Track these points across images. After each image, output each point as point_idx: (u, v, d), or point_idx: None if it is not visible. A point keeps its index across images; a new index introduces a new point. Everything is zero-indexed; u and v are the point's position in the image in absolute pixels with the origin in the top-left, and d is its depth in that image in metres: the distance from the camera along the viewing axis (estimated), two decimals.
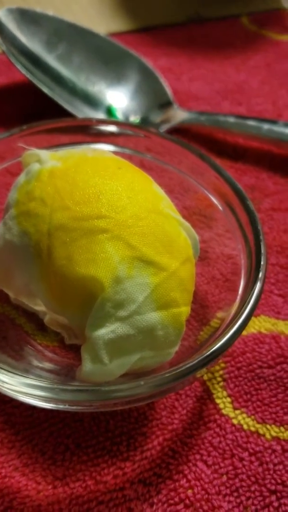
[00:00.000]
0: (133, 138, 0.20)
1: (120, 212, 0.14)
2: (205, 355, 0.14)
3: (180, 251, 0.15)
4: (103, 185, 0.15)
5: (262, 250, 0.16)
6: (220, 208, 0.19)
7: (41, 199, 0.14)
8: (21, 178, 0.16)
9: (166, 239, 0.15)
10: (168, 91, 0.26)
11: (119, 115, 0.25)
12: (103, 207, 0.14)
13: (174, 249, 0.15)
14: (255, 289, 0.15)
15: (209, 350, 0.14)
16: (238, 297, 0.16)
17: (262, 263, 0.16)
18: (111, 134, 0.20)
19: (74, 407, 0.14)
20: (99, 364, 0.14)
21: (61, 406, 0.14)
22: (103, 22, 0.30)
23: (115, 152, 0.20)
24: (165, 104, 0.25)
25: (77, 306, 0.14)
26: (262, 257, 0.16)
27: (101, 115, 0.25)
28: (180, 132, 0.25)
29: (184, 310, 0.15)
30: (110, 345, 0.14)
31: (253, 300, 0.15)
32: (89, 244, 0.14)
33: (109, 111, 0.25)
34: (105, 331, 0.14)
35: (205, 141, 0.25)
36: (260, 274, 0.15)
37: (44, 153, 0.16)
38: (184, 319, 0.15)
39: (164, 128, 0.24)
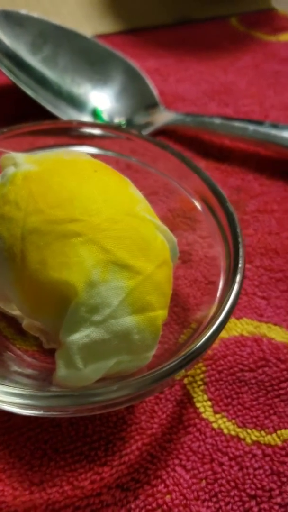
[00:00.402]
0: (118, 141, 0.20)
1: (95, 215, 0.14)
2: (183, 357, 0.14)
3: (156, 254, 0.15)
4: (78, 188, 0.14)
5: (241, 253, 0.16)
6: (201, 210, 0.19)
7: (15, 202, 0.14)
8: None
9: (142, 242, 0.14)
10: (154, 92, 0.26)
11: (104, 116, 0.25)
12: (77, 211, 0.14)
13: (150, 252, 0.15)
14: (232, 291, 0.15)
15: (186, 352, 0.14)
16: (216, 300, 0.16)
17: (240, 265, 0.15)
18: (96, 136, 0.20)
19: (50, 413, 0.14)
20: (74, 369, 0.14)
21: (36, 412, 0.14)
22: (91, 24, 0.30)
23: (99, 155, 0.20)
24: (151, 106, 0.25)
25: (51, 310, 0.14)
26: (240, 259, 0.16)
27: (86, 118, 0.25)
28: (166, 133, 0.25)
29: (161, 314, 0.15)
30: (85, 350, 0.14)
31: (230, 302, 0.15)
32: (62, 248, 0.14)
33: (95, 113, 0.25)
34: (79, 336, 0.14)
35: (191, 143, 0.25)
36: (238, 277, 0.15)
37: (20, 156, 0.16)
38: (161, 322, 0.15)
39: (149, 129, 0.24)
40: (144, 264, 0.14)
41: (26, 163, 0.15)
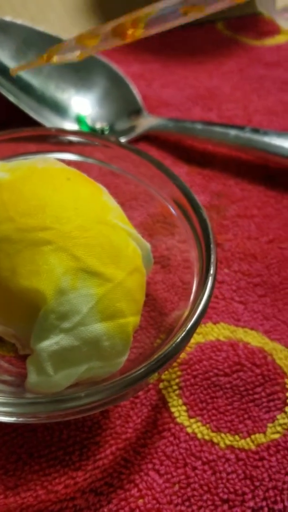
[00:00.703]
0: (99, 148, 0.20)
1: (65, 224, 0.14)
2: (155, 361, 0.14)
3: (128, 262, 0.15)
4: (50, 196, 0.15)
5: (212, 259, 0.16)
6: (177, 216, 0.19)
7: None
8: None
9: (112, 250, 0.15)
10: (138, 97, 0.26)
11: (88, 122, 0.25)
12: (48, 219, 0.14)
13: (120, 260, 0.15)
14: (203, 295, 0.15)
15: (159, 356, 0.14)
16: (189, 304, 0.16)
17: (211, 271, 0.16)
18: (77, 143, 0.21)
19: (23, 419, 0.14)
20: (44, 375, 0.14)
21: (9, 419, 0.14)
22: (78, 30, 0.31)
23: (81, 162, 0.21)
24: (134, 111, 0.25)
25: (22, 318, 0.14)
26: (211, 265, 0.16)
27: (70, 124, 0.25)
28: (149, 138, 0.25)
29: (131, 320, 0.15)
30: (55, 357, 0.14)
31: (201, 306, 0.15)
32: (33, 256, 0.14)
33: (79, 119, 0.25)
34: (49, 343, 0.14)
35: (174, 148, 0.25)
36: (209, 283, 0.15)
37: None
38: (132, 329, 0.15)
39: (132, 135, 0.25)
40: (114, 272, 0.14)
41: (0, 171, 0.16)
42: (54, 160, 0.17)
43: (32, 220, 0.14)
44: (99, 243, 0.14)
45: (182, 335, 0.14)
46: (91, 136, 0.20)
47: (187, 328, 0.15)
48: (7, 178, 0.15)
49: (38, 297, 0.14)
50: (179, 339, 0.14)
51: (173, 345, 0.14)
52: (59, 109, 0.25)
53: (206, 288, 0.15)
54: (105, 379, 0.15)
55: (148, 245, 0.17)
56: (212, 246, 0.16)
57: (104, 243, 0.15)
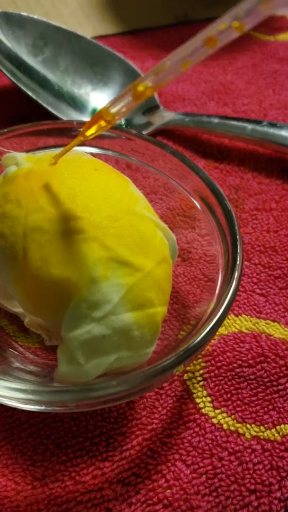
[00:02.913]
0: (119, 141, 0.20)
1: (95, 213, 0.14)
2: (181, 352, 0.14)
3: (156, 252, 0.15)
4: (78, 186, 0.15)
5: (239, 250, 0.16)
6: (200, 209, 0.19)
7: (17, 201, 0.15)
8: None
9: (141, 239, 0.15)
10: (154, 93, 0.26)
11: None
12: (78, 208, 0.14)
13: (149, 250, 0.15)
14: (230, 287, 0.15)
15: (185, 348, 0.14)
16: (215, 296, 0.16)
17: (237, 262, 0.16)
18: (97, 136, 0.21)
19: (51, 408, 0.14)
20: (75, 365, 0.14)
21: (38, 407, 0.14)
22: (91, 25, 0.31)
23: (100, 155, 0.21)
24: (150, 106, 0.25)
25: (53, 307, 0.14)
26: (238, 256, 0.16)
27: (87, 118, 0.25)
28: (166, 133, 0.25)
29: (160, 310, 0.15)
30: (86, 346, 0.14)
31: (228, 298, 0.15)
32: (64, 245, 0.14)
33: (95, 112, 0.25)
34: (80, 332, 0.14)
35: (190, 142, 0.25)
36: (236, 274, 0.15)
37: (20, 156, 0.16)
38: (160, 319, 0.15)
39: (149, 129, 0.25)
40: (144, 261, 0.14)
41: (27, 162, 0.16)
42: (79, 151, 0.17)
43: (63, 210, 0.14)
44: (129, 233, 0.14)
45: (209, 327, 0.14)
46: (114, 129, 0.20)
47: (214, 320, 0.14)
48: (36, 169, 0.15)
49: (70, 287, 0.14)
50: (205, 332, 0.14)
51: (200, 337, 0.14)
52: (76, 104, 0.25)
53: (233, 280, 0.15)
54: (131, 370, 0.16)
55: (173, 236, 0.17)
56: (238, 237, 0.16)
57: (133, 233, 0.15)
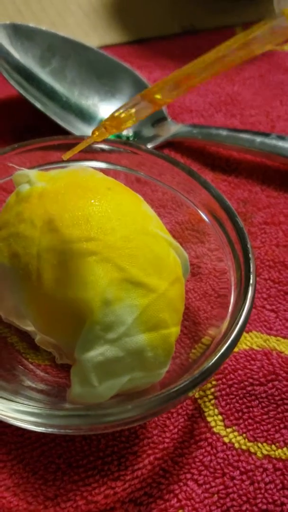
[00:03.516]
0: (126, 155, 0.20)
1: (109, 234, 0.14)
2: (196, 375, 0.14)
3: (169, 272, 0.15)
4: (92, 207, 0.15)
5: (251, 268, 0.16)
6: (210, 224, 0.19)
7: (31, 221, 0.15)
8: (11, 199, 0.16)
9: (155, 260, 0.15)
10: None
11: None
12: (92, 230, 0.14)
13: (163, 270, 0.15)
14: (244, 307, 0.15)
15: (200, 370, 0.14)
16: (228, 315, 0.16)
17: (251, 281, 0.16)
18: (105, 151, 0.21)
19: (64, 431, 0.14)
20: (89, 386, 0.14)
21: (50, 430, 0.14)
22: (97, 34, 0.31)
23: (108, 169, 0.21)
24: (158, 118, 0.25)
25: (66, 328, 0.14)
26: (251, 275, 0.16)
27: None
28: (174, 145, 0.25)
29: (174, 331, 0.15)
30: (99, 368, 0.14)
31: (243, 318, 0.15)
32: (78, 267, 0.14)
33: None
34: (94, 354, 0.14)
35: (198, 154, 0.25)
36: (250, 293, 0.15)
37: (33, 174, 0.16)
38: (174, 339, 0.15)
39: (157, 142, 0.25)
40: (158, 282, 0.14)
41: (40, 181, 0.16)
42: (92, 169, 0.17)
43: (77, 231, 0.14)
44: (142, 254, 0.14)
45: (224, 348, 0.14)
46: (122, 143, 0.20)
47: (229, 342, 0.14)
48: (49, 188, 0.15)
49: (84, 308, 0.14)
50: (220, 353, 0.14)
51: (215, 359, 0.14)
52: (84, 115, 0.25)
53: (247, 299, 0.15)
54: (144, 390, 0.15)
55: (186, 254, 0.17)
56: (251, 255, 0.16)
57: (147, 254, 0.15)
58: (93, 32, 0.31)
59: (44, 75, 0.25)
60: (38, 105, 0.24)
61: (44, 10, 0.32)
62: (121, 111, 0.19)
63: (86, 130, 0.25)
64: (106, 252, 0.14)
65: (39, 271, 0.14)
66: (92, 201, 0.15)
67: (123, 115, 0.18)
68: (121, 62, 0.27)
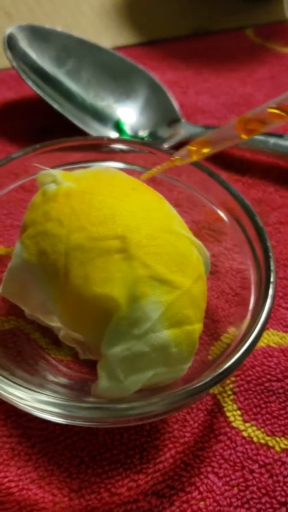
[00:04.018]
0: (142, 155, 0.21)
1: (135, 232, 0.15)
2: (218, 372, 0.14)
3: (193, 269, 0.15)
4: (118, 206, 0.15)
5: (272, 267, 0.16)
6: (228, 222, 0.19)
7: (58, 219, 0.15)
8: (38, 198, 0.16)
9: (179, 257, 0.15)
10: (176, 106, 0.26)
11: (127, 130, 0.25)
12: (118, 228, 0.15)
13: (187, 268, 0.15)
14: (265, 306, 0.15)
15: (221, 367, 0.14)
16: (249, 314, 0.16)
17: (271, 280, 0.16)
18: (121, 151, 0.21)
19: (89, 423, 0.14)
20: (115, 381, 0.14)
21: (75, 422, 0.14)
22: (109, 35, 0.31)
23: (124, 169, 0.21)
24: (173, 119, 0.26)
25: (93, 324, 0.15)
26: (271, 273, 0.16)
27: (110, 130, 0.25)
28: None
29: (197, 327, 0.15)
30: (126, 363, 0.14)
31: (264, 317, 0.15)
32: (105, 264, 0.14)
33: (118, 125, 0.26)
34: (121, 349, 0.14)
35: (212, 155, 0.25)
36: (270, 291, 0.16)
37: (58, 174, 0.16)
38: (197, 336, 0.15)
39: (172, 142, 0.25)
40: (182, 279, 0.15)
41: (66, 180, 0.16)
42: (115, 169, 0.17)
43: (104, 229, 0.14)
44: (167, 251, 0.15)
45: (246, 346, 0.15)
46: (141, 144, 0.20)
47: (251, 340, 0.15)
48: (76, 188, 0.15)
49: (111, 304, 0.14)
50: (242, 351, 0.15)
51: (236, 357, 0.14)
52: (99, 116, 0.25)
53: (268, 298, 0.15)
54: (166, 386, 0.16)
55: (207, 252, 0.17)
56: (271, 254, 0.17)
57: (171, 251, 0.15)
58: (105, 34, 0.31)
59: (60, 76, 0.25)
60: (55, 105, 0.24)
61: (57, 11, 0.32)
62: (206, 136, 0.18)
63: (101, 130, 0.25)
64: (133, 249, 0.14)
65: (67, 268, 0.14)
66: (118, 200, 0.15)
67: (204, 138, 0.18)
68: (136, 63, 0.27)
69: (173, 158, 0.16)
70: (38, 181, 0.17)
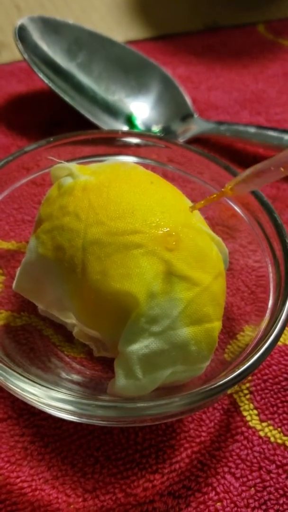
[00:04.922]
0: (155, 149, 0.20)
1: (154, 227, 0.14)
2: (237, 373, 0.14)
3: (213, 266, 0.15)
4: (137, 200, 0.15)
5: None
6: (245, 219, 0.19)
7: (75, 214, 0.15)
8: (53, 191, 0.16)
9: (199, 254, 0.15)
10: (189, 101, 0.26)
11: (139, 124, 0.25)
12: (137, 222, 0.14)
13: (206, 264, 0.15)
14: (285, 305, 0.15)
15: (240, 368, 0.14)
16: (268, 313, 0.16)
17: None
18: (134, 145, 0.20)
19: (104, 423, 0.14)
20: (133, 379, 0.14)
21: (90, 421, 0.14)
22: (121, 30, 0.31)
23: (138, 163, 0.21)
24: (186, 114, 0.25)
25: (110, 321, 0.14)
26: None
27: (121, 124, 0.25)
28: (200, 141, 0.25)
29: (217, 325, 0.15)
30: (144, 360, 0.14)
31: (284, 317, 0.15)
32: (123, 259, 0.14)
33: (129, 119, 0.25)
34: (139, 346, 0.14)
35: (225, 151, 0.25)
36: None
37: (74, 167, 0.16)
38: (217, 334, 0.15)
39: (184, 137, 0.25)
40: (202, 276, 0.14)
41: (82, 174, 0.16)
42: (132, 163, 0.17)
43: (122, 224, 0.14)
44: (186, 247, 0.14)
45: (266, 347, 0.14)
46: (157, 138, 0.20)
47: (271, 340, 0.14)
48: (93, 182, 0.15)
49: (130, 300, 0.14)
50: (261, 352, 0.14)
51: (256, 357, 0.14)
52: (111, 110, 0.25)
53: (287, 299, 0.15)
54: (183, 385, 0.16)
55: (226, 249, 0.17)
56: None
57: (191, 247, 0.15)
58: (117, 28, 0.31)
59: (71, 68, 0.25)
60: (66, 98, 0.23)
61: (68, 5, 0.32)
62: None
63: (113, 124, 0.25)
64: (152, 245, 0.14)
65: (84, 263, 0.14)
66: (136, 194, 0.15)
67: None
68: (148, 58, 0.27)
69: (226, 188, 0.16)
70: (52, 174, 0.17)
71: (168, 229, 0.14)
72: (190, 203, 0.16)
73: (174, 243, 0.14)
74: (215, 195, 0.17)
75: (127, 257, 0.14)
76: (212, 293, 0.15)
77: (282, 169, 0.16)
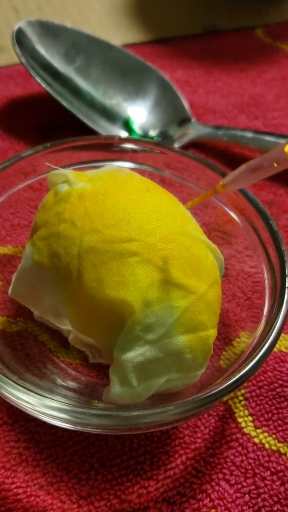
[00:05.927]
0: (152, 155, 0.20)
1: (150, 235, 0.14)
2: (232, 380, 0.14)
3: (208, 274, 0.15)
4: (133, 208, 0.15)
5: (287, 271, 0.16)
6: (241, 225, 0.19)
7: (71, 221, 0.15)
8: (49, 198, 0.16)
9: (195, 261, 0.15)
10: (186, 105, 0.26)
11: (137, 128, 0.25)
12: (133, 230, 0.14)
13: (202, 272, 0.15)
14: (281, 312, 0.15)
15: (235, 375, 0.14)
16: (263, 319, 0.16)
17: (287, 285, 0.16)
18: (131, 151, 0.21)
19: (99, 431, 0.14)
20: (128, 387, 0.14)
21: (85, 429, 0.14)
22: (119, 33, 0.31)
23: (134, 169, 0.21)
24: (183, 119, 0.25)
25: (106, 328, 0.14)
26: (287, 279, 0.16)
27: (118, 129, 0.25)
28: (197, 146, 0.25)
29: (212, 333, 0.15)
30: (139, 368, 0.14)
31: (279, 324, 0.15)
32: (119, 267, 0.14)
33: (127, 123, 0.25)
34: (134, 354, 0.14)
35: (222, 155, 0.25)
36: (286, 297, 0.15)
37: (71, 174, 0.16)
38: (212, 342, 0.15)
39: (181, 142, 0.25)
40: (197, 284, 0.14)
41: (79, 181, 0.16)
42: (129, 170, 0.17)
43: (118, 232, 0.14)
44: (182, 255, 0.14)
45: (262, 353, 0.14)
46: (153, 144, 0.20)
47: (267, 347, 0.14)
48: (89, 189, 0.15)
49: (125, 308, 0.14)
50: (257, 358, 0.14)
51: (251, 364, 0.14)
52: (108, 114, 0.25)
53: (283, 304, 0.15)
54: (178, 392, 0.16)
55: (222, 256, 0.17)
56: (286, 258, 0.16)
57: (187, 255, 0.15)
58: (115, 31, 0.31)
59: (69, 72, 0.25)
60: (63, 102, 0.23)
61: (66, 7, 0.32)
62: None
63: (110, 128, 0.25)
64: (147, 253, 0.14)
65: (80, 271, 0.14)
66: (132, 202, 0.15)
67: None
68: (146, 61, 0.27)
69: (218, 185, 0.17)
70: (48, 180, 0.17)
71: (163, 237, 0.14)
72: (186, 211, 0.16)
73: (169, 251, 0.14)
74: (208, 192, 0.17)
75: (122, 265, 0.14)
76: (208, 301, 0.15)
77: (275, 164, 0.16)
